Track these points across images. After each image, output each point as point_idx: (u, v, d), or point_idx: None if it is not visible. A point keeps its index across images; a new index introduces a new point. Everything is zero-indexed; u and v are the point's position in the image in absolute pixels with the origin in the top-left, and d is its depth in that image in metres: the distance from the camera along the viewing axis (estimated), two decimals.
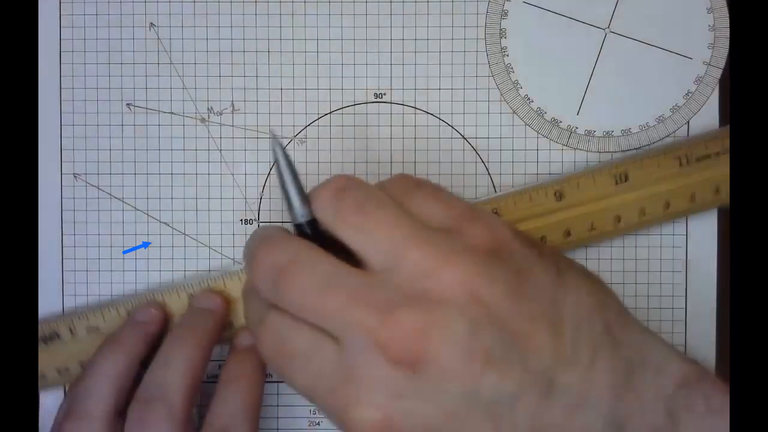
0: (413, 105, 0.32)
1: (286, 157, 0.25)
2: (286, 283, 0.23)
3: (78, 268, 0.32)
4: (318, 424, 0.33)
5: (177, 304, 0.31)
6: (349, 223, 0.23)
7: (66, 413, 0.28)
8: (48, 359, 0.31)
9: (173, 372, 0.28)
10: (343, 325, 0.22)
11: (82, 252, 0.32)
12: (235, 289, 0.31)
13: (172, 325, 0.30)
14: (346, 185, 0.24)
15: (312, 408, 0.33)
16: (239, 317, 0.30)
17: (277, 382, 0.33)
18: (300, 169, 0.32)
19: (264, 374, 0.30)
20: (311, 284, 0.23)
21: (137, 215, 0.32)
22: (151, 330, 0.30)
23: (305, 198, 0.24)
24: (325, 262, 0.23)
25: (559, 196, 0.30)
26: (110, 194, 0.32)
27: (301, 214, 0.24)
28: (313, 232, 0.24)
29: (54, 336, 0.31)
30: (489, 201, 0.31)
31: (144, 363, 0.29)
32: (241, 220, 0.32)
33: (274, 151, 0.25)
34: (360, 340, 0.22)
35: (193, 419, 0.28)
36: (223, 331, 0.30)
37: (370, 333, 0.22)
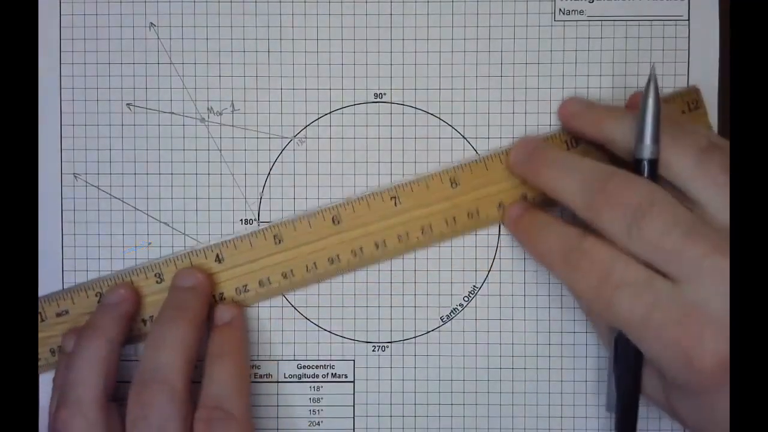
0: (413, 105, 0.32)
1: (657, 92, 0.27)
2: (646, 222, 0.25)
3: (78, 268, 0.32)
4: (318, 424, 0.33)
5: (145, 284, 0.31)
6: (713, 180, 0.26)
7: (58, 403, 0.28)
8: None
9: (168, 353, 0.28)
10: (696, 270, 0.24)
11: (82, 252, 0.32)
12: (202, 265, 0.31)
13: (145, 302, 0.31)
14: (712, 147, 0.26)
15: (312, 408, 0.33)
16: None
17: (277, 381, 0.33)
18: (300, 169, 0.32)
19: (248, 347, 0.31)
20: (674, 228, 0.25)
21: (137, 215, 0.32)
22: (124, 310, 0.30)
23: (657, 137, 0.26)
24: (682, 209, 0.25)
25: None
26: (110, 194, 0.32)
27: (650, 150, 0.26)
28: (650, 172, 0.27)
29: None
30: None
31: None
32: (241, 220, 0.32)
33: (649, 82, 0.27)
34: (713, 285, 0.24)
35: (191, 396, 0.29)
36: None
37: (726, 281, 0.24)
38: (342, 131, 0.32)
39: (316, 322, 0.33)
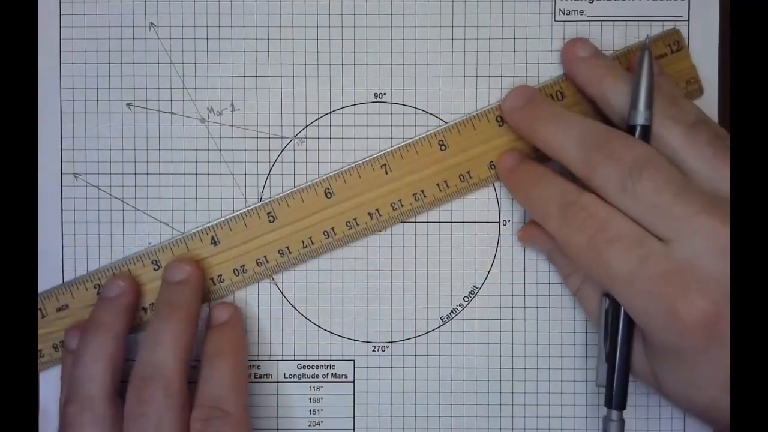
0: (413, 105, 0.32)
1: (651, 61, 0.28)
2: (642, 179, 0.26)
3: (78, 268, 0.32)
4: (318, 424, 0.33)
5: (143, 271, 0.31)
6: (700, 152, 0.27)
7: (66, 399, 0.29)
8: None
9: (164, 350, 0.28)
10: (686, 228, 0.25)
11: (82, 252, 0.32)
12: (198, 249, 0.32)
13: (144, 290, 0.31)
14: (701, 122, 0.27)
15: (312, 408, 0.33)
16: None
17: (277, 381, 0.33)
18: (300, 169, 0.32)
19: (245, 346, 0.31)
20: (667, 187, 0.25)
21: (137, 215, 0.32)
22: (125, 302, 0.30)
23: (650, 105, 0.27)
24: (675, 170, 0.26)
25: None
26: (110, 194, 0.32)
27: (644, 116, 0.27)
28: (643, 138, 0.27)
29: None
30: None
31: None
32: None
33: (643, 50, 0.28)
34: (702, 244, 0.25)
35: (188, 394, 0.29)
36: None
37: (718, 239, 0.25)
38: (342, 131, 0.32)
39: (316, 322, 0.33)
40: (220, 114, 0.32)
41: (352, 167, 0.32)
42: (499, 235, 0.33)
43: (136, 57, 0.32)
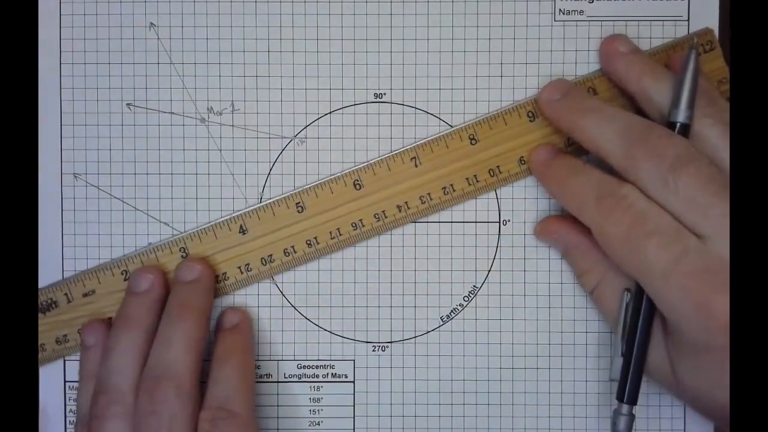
0: (413, 105, 0.32)
1: (698, 60, 0.28)
2: (683, 175, 0.26)
3: (78, 268, 0.32)
4: (318, 424, 0.33)
5: (169, 259, 0.32)
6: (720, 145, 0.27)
7: (96, 390, 0.29)
8: (47, 329, 0.32)
9: (175, 351, 0.29)
10: (723, 228, 0.25)
11: (82, 252, 0.32)
12: (226, 237, 0.32)
13: (171, 278, 0.31)
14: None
15: (312, 408, 0.33)
16: None
17: (277, 381, 0.33)
18: (300, 169, 0.32)
19: (253, 350, 0.32)
20: (708, 184, 0.25)
21: (137, 215, 0.32)
22: (155, 296, 0.31)
23: (692, 104, 0.27)
24: (717, 168, 0.26)
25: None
26: (110, 194, 0.32)
27: (685, 115, 0.27)
28: (682, 135, 0.27)
29: (51, 304, 0.31)
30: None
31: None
32: None
33: (691, 48, 0.28)
34: None
35: (200, 394, 0.29)
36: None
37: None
38: (342, 131, 0.32)
39: (316, 322, 0.33)
40: (220, 114, 0.32)
41: (381, 159, 0.32)
42: (499, 235, 0.33)
43: (136, 57, 0.32)
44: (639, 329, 0.29)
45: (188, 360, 0.29)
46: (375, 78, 0.32)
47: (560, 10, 0.32)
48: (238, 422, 0.28)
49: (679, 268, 0.26)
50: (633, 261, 0.27)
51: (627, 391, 0.29)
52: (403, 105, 0.32)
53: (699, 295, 0.25)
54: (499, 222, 0.33)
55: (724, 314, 0.25)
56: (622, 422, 0.29)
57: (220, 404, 0.29)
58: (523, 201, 0.32)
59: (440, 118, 0.32)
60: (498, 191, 0.32)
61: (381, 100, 0.32)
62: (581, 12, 0.32)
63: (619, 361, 0.29)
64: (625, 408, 0.29)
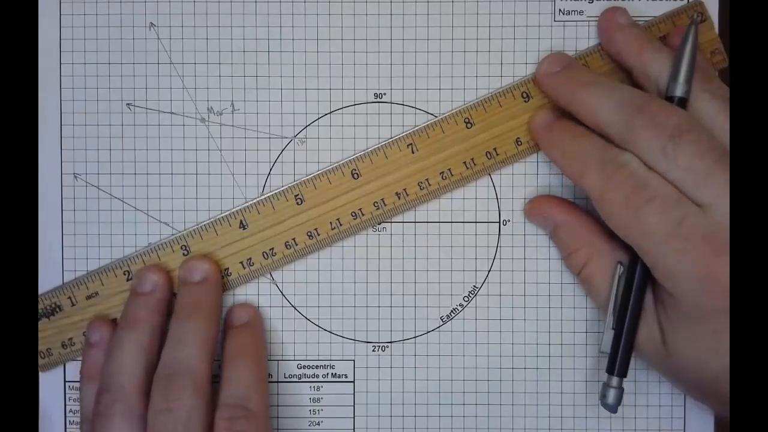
0: (413, 105, 0.32)
1: (696, 36, 0.28)
2: (683, 144, 0.26)
3: (78, 268, 0.32)
4: (318, 424, 0.33)
5: (171, 257, 0.32)
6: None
7: (99, 389, 0.29)
8: (52, 333, 0.31)
9: (190, 348, 0.28)
10: (723, 195, 0.25)
11: (82, 252, 0.32)
12: (226, 233, 0.32)
13: (174, 276, 0.31)
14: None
15: (312, 408, 0.33)
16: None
17: (277, 381, 0.33)
18: (300, 169, 0.32)
19: (266, 347, 0.32)
20: (708, 152, 0.26)
21: (137, 215, 0.32)
22: (160, 297, 0.31)
23: (690, 78, 0.28)
24: (715, 138, 0.26)
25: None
26: (110, 194, 0.32)
27: (683, 89, 0.28)
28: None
29: (55, 309, 0.31)
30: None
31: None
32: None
33: (691, 24, 0.28)
34: None
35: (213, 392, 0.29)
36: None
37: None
38: (342, 131, 0.32)
39: (316, 322, 0.33)
40: (220, 114, 0.32)
41: (378, 147, 0.32)
42: (499, 235, 0.33)
43: (136, 57, 0.32)
44: (632, 300, 0.29)
45: (203, 357, 0.28)
46: (375, 78, 0.32)
47: (560, 10, 0.32)
48: (256, 421, 0.28)
49: (679, 231, 0.26)
50: (633, 226, 0.27)
51: (618, 362, 0.29)
52: (403, 105, 0.32)
53: (699, 258, 0.25)
54: (499, 222, 0.33)
55: (724, 276, 0.25)
56: (612, 395, 0.29)
57: (238, 402, 0.28)
58: (523, 201, 0.33)
59: None
60: (498, 191, 0.32)
61: (381, 100, 0.32)
62: (581, 12, 0.32)
63: (609, 334, 0.30)
64: (615, 380, 0.29)
